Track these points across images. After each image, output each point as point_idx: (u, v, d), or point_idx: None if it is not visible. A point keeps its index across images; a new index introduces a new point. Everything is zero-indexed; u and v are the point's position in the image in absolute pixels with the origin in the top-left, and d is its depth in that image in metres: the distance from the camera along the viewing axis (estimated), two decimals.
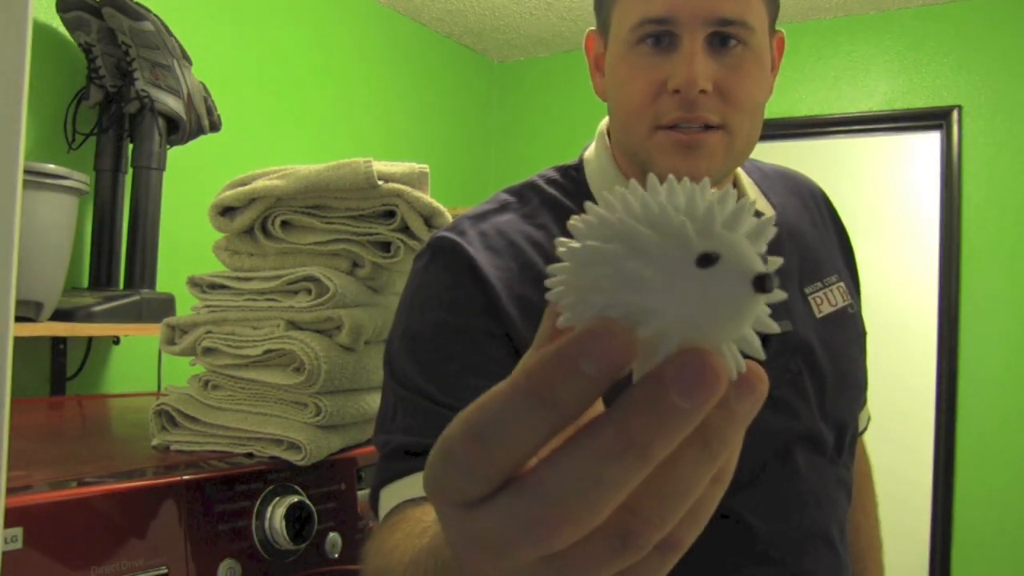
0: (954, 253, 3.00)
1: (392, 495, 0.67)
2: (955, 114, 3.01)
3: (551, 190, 0.80)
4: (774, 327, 0.24)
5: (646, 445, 0.22)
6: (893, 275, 3.29)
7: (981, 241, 2.97)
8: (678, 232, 0.22)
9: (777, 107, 3.29)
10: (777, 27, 0.80)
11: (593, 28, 0.81)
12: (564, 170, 0.83)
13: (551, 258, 0.72)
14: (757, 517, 0.74)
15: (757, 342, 0.24)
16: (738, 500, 0.74)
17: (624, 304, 0.22)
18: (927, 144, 3.21)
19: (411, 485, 0.66)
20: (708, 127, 0.72)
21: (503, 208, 0.79)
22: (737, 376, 0.24)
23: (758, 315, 0.23)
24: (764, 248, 0.24)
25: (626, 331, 0.22)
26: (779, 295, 0.24)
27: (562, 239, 0.25)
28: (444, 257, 0.73)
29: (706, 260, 0.22)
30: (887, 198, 3.40)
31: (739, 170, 0.86)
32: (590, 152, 0.83)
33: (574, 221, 0.24)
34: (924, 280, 3.17)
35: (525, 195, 0.80)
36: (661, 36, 0.72)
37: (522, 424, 0.22)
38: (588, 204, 0.25)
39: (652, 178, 0.24)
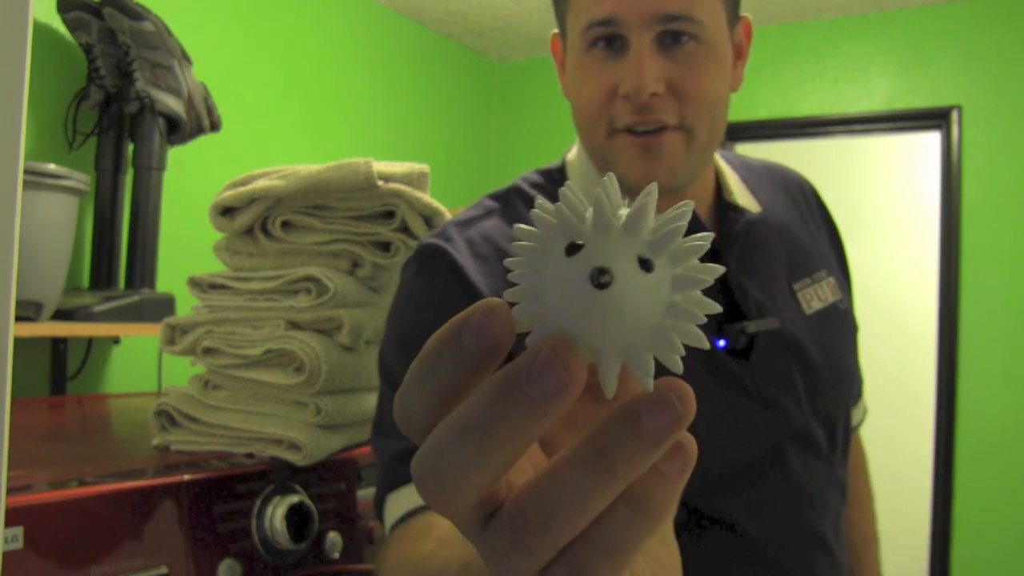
0: (954, 253, 3.00)
1: (401, 501, 0.67)
2: (955, 114, 3.01)
3: (535, 193, 0.80)
4: (702, 343, 0.23)
5: (489, 427, 0.22)
6: (893, 275, 3.29)
7: (981, 241, 2.97)
8: (566, 221, 0.23)
9: (777, 107, 3.29)
10: (744, 13, 0.79)
11: (556, 31, 0.81)
12: (547, 173, 0.84)
13: None
14: (751, 519, 0.74)
15: (674, 355, 0.23)
16: (732, 502, 0.73)
17: (524, 287, 0.24)
18: (927, 144, 3.21)
19: None
20: (665, 128, 0.71)
21: (489, 214, 0.79)
22: (653, 390, 0.22)
23: (682, 327, 0.23)
24: (667, 246, 0.23)
25: (504, 311, 0.23)
26: (704, 310, 0.23)
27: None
28: (432, 264, 0.73)
29: (572, 249, 0.22)
30: (887, 198, 3.39)
31: (725, 167, 0.85)
32: (572, 154, 0.83)
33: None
34: (924, 280, 3.17)
35: (510, 200, 0.80)
36: (611, 39, 0.71)
37: (416, 390, 0.24)
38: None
39: (604, 182, 0.24)
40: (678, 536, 0.32)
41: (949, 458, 2.97)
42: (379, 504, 0.71)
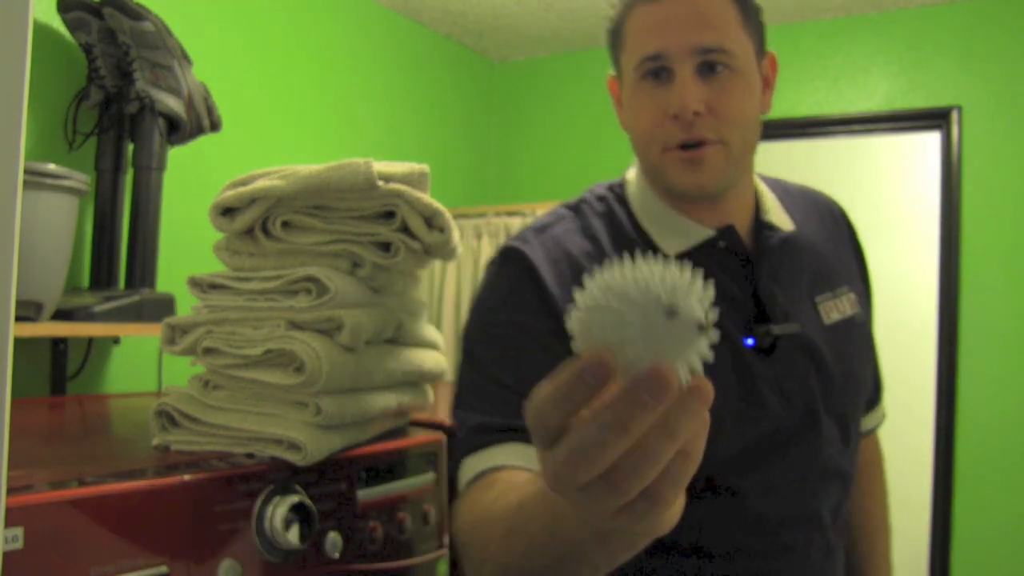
0: (954, 253, 3.00)
1: (475, 463, 0.79)
2: (955, 114, 3.01)
3: (601, 205, 0.95)
4: (708, 356, 0.38)
5: (627, 422, 0.36)
6: (893, 275, 3.29)
7: (981, 241, 2.97)
8: (656, 296, 0.37)
9: (777, 107, 3.29)
10: (769, 48, 0.92)
11: (612, 73, 0.95)
12: (610, 187, 0.98)
13: (600, 264, 0.90)
14: (760, 495, 0.85)
15: (700, 365, 0.38)
16: (746, 479, 0.84)
17: (617, 338, 0.37)
18: (927, 144, 3.21)
19: (492, 455, 0.78)
20: (705, 142, 0.84)
21: (560, 220, 0.93)
22: (691, 383, 0.37)
23: (700, 348, 0.38)
24: (706, 303, 0.38)
25: (612, 359, 0.37)
26: (713, 337, 0.37)
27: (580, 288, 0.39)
28: (511, 264, 0.88)
29: (671, 313, 0.37)
30: (887, 198, 3.39)
31: (764, 188, 0.97)
32: (631, 173, 0.97)
33: (587, 278, 0.39)
34: (924, 280, 3.17)
35: (580, 209, 0.95)
36: (659, 71, 0.85)
37: (556, 409, 0.38)
38: (596, 271, 0.39)
39: (638, 258, 0.38)
40: (697, 502, 0.50)
41: (949, 457, 2.97)
42: (456, 466, 0.83)
